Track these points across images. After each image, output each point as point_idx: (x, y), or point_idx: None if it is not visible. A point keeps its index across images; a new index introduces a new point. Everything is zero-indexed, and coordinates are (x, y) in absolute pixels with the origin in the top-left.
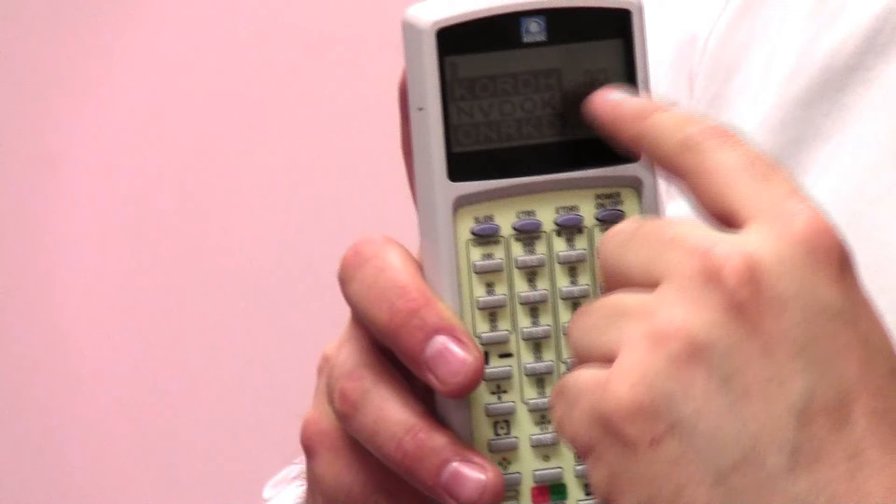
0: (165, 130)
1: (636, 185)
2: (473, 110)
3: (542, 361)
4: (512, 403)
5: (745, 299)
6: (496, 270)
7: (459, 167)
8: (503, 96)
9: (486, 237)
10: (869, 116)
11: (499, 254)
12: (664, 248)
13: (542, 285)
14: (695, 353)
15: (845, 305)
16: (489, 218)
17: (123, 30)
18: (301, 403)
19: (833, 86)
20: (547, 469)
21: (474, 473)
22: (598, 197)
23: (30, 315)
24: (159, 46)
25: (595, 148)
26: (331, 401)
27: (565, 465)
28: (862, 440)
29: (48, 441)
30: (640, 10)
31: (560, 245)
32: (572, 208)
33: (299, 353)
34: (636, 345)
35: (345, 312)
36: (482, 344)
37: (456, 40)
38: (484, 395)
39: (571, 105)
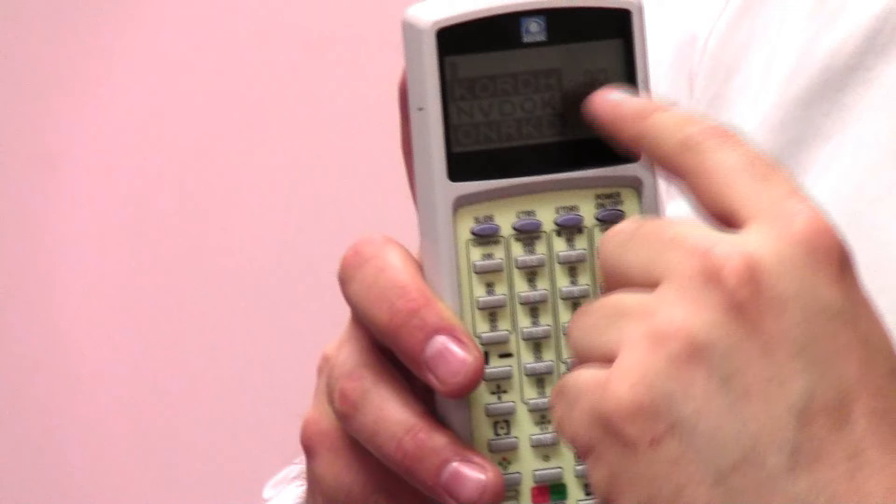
0: (165, 130)
1: (636, 185)
2: (473, 110)
3: (542, 361)
4: (512, 403)
5: (745, 299)
6: (496, 270)
7: (459, 167)
8: (503, 96)
9: (486, 237)
10: (869, 116)
11: (499, 254)
12: (664, 248)
13: (542, 285)
14: (695, 353)
15: (845, 305)
16: (489, 218)
17: (123, 30)
18: (301, 403)
19: (833, 86)
20: (547, 469)
21: (474, 473)
22: (598, 197)
23: (30, 315)
24: (159, 46)
25: (595, 148)
26: (331, 401)
27: (565, 465)
28: (862, 440)
29: (48, 441)
30: (640, 10)
31: (560, 245)
32: (572, 208)
33: (299, 353)
34: (636, 345)
35: (345, 312)
36: (482, 344)
37: (456, 40)
38: (484, 395)
39: (571, 105)
